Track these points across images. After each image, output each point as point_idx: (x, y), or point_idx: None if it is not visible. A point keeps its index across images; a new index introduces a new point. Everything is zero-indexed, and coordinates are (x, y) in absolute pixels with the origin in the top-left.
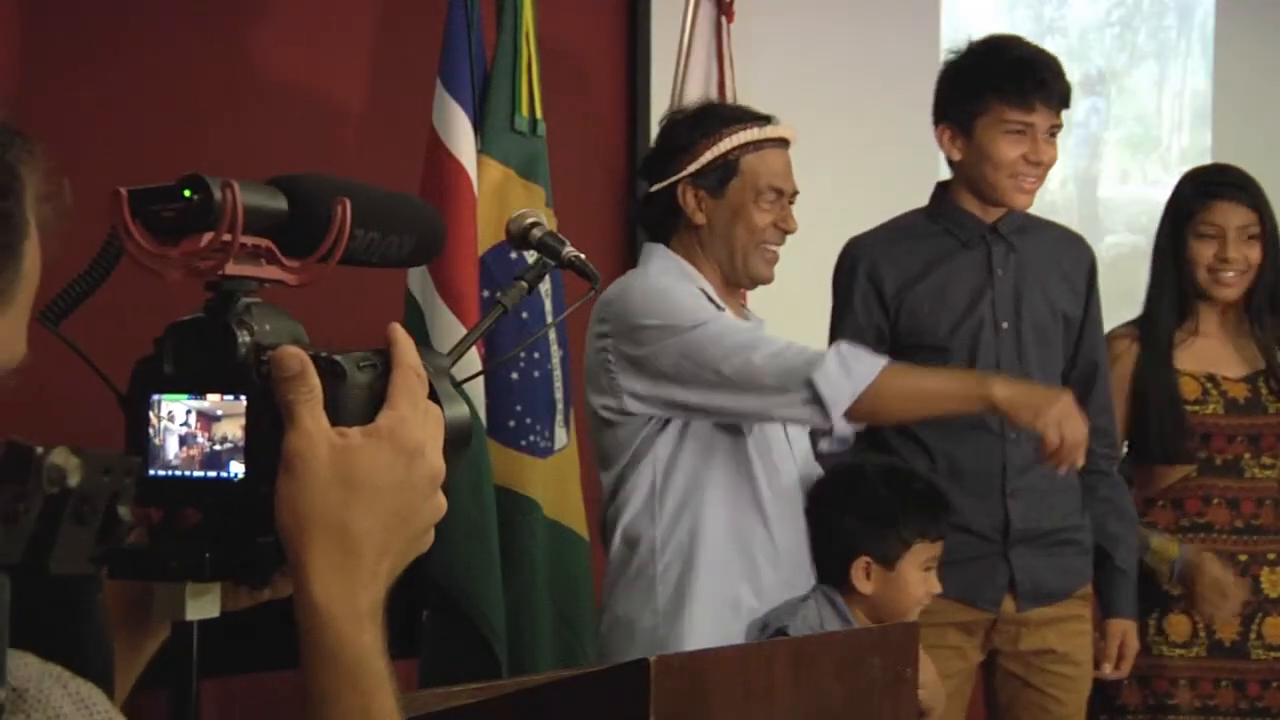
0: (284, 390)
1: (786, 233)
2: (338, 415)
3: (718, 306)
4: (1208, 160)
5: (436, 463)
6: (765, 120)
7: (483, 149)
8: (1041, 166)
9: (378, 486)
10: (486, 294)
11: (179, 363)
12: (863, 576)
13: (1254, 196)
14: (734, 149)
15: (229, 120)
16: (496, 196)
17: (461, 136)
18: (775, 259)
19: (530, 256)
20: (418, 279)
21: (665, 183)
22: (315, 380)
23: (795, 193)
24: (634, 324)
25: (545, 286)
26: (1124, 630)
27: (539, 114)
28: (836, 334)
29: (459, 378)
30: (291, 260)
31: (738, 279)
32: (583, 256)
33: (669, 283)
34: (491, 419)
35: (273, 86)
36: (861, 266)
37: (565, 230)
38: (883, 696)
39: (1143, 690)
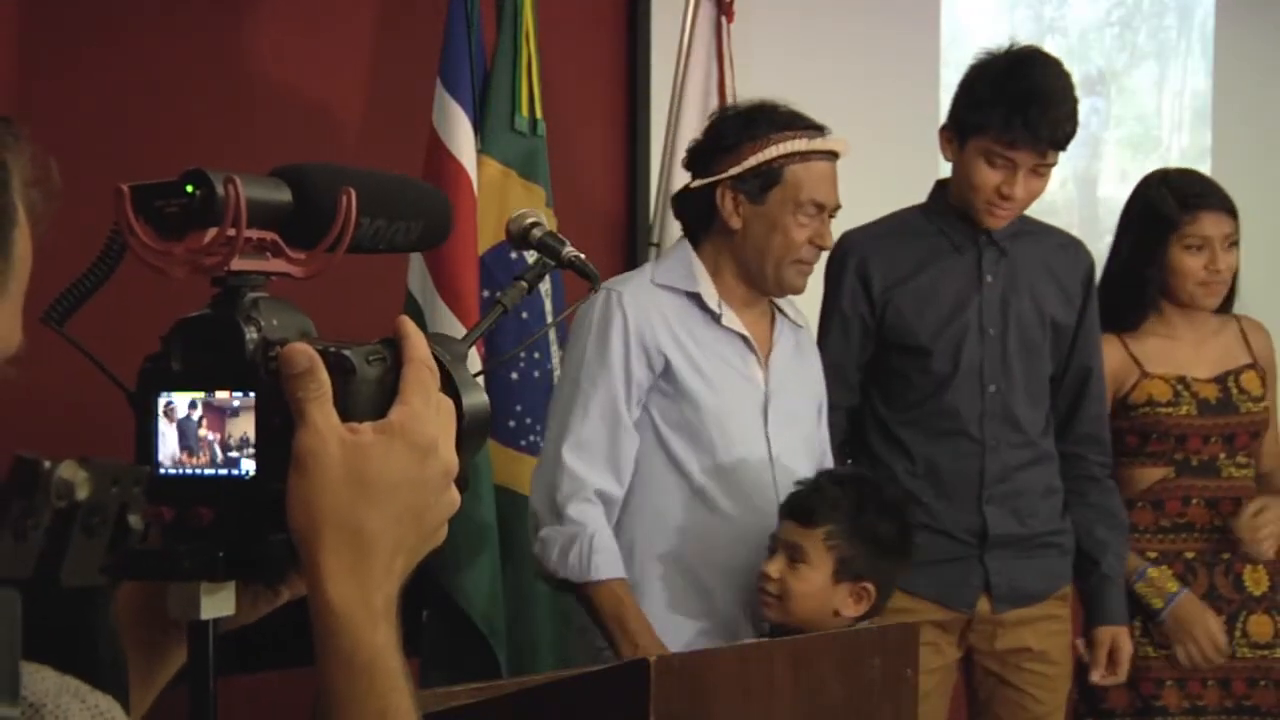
0: (293, 387)
1: (822, 249)
2: (348, 411)
3: (714, 314)
4: (1208, 160)
5: (449, 458)
6: (818, 130)
7: (483, 149)
8: (1013, 201)
9: (391, 484)
10: (486, 294)
11: (187, 360)
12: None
13: (1231, 203)
14: (780, 157)
15: (229, 120)
16: (496, 196)
17: (461, 136)
18: (809, 272)
19: (530, 256)
20: (418, 279)
21: (705, 181)
22: (324, 376)
23: (838, 207)
24: (566, 352)
25: (545, 286)
26: (1114, 636)
27: (539, 114)
28: (825, 326)
29: None
30: (297, 252)
31: (766, 288)
32: (583, 256)
33: (604, 337)
34: (492, 419)
35: (273, 86)
36: (851, 261)
37: (565, 230)
38: (883, 696)
39: (1129, 692)
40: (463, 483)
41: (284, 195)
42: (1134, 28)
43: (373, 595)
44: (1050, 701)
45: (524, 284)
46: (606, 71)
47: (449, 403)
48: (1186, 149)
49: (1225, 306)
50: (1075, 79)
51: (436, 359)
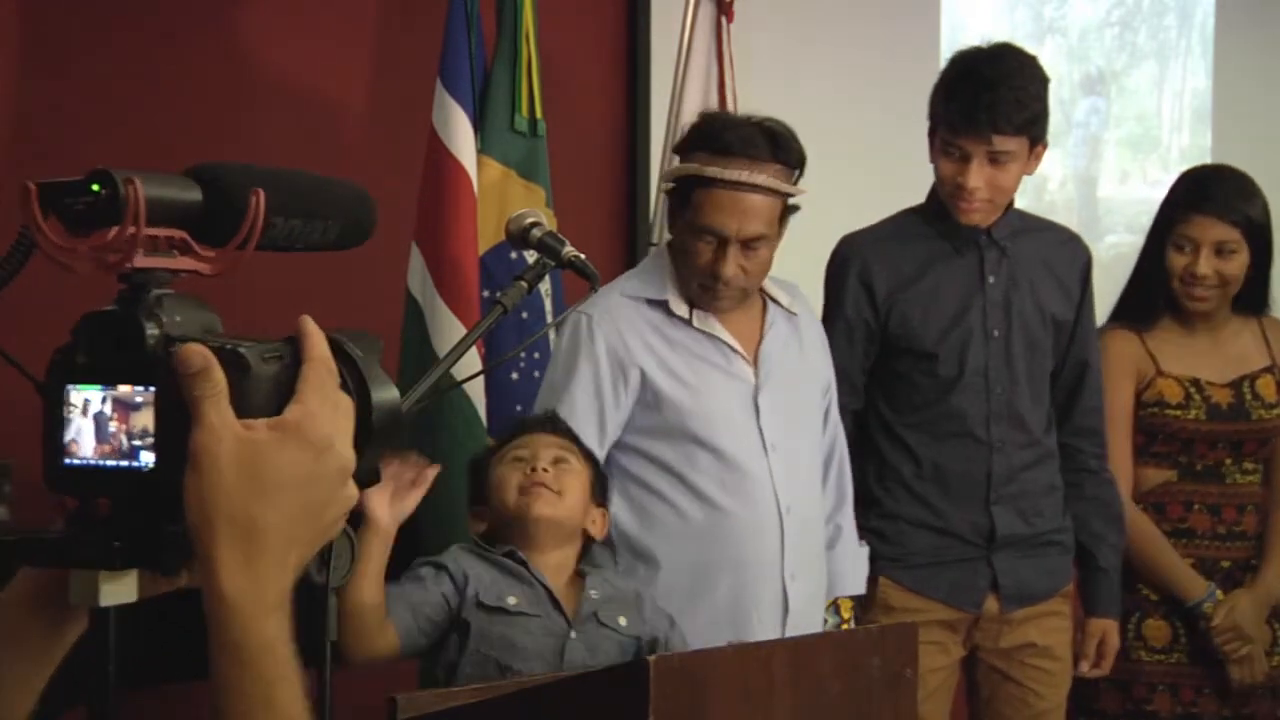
0: (188, 386)
1: (718, 278)
2: (244, 408)
3: (683, 319)
4: (1207, 161)
5: (346, 454)
6: (742, 159)
7: (483, 149)
8: (970, 190)
9: (284, 480)
10: (486, 294)
11: (91, 353)
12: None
13: (1237, 210)
14: (686, 178)
15: (229, 120)
16: (496, 196)
17: (461, 136)
18: (720, 296)
19: (530, 256)
20: (418, 279)
21: (664, 185)
22: (219, 375)
23: (751, 239)
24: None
25: (545, 286)
26: (1104, 629)
27: (539, 114)
28: (829, 331)
29: (459, 378)
30: (207, 250)
31: (695, 301)
32: (583, 256)
33: (571, 365)
34: (491, 419)
35: (273, 86)
36: (853, 266)
37: (565, 230)
38: (882, 696)
39: (1121, 695)
40: (375, 476)
41: (192, 194)
42: (1134, 28)
43: (265, 588)
44: (1051, 698)
45: (524, 284)
46: (606, 71)
47: (347, 401)
48: (1186, 149)
49: (1255, 309)
50: (1075, 79)
51: (346, 355)
